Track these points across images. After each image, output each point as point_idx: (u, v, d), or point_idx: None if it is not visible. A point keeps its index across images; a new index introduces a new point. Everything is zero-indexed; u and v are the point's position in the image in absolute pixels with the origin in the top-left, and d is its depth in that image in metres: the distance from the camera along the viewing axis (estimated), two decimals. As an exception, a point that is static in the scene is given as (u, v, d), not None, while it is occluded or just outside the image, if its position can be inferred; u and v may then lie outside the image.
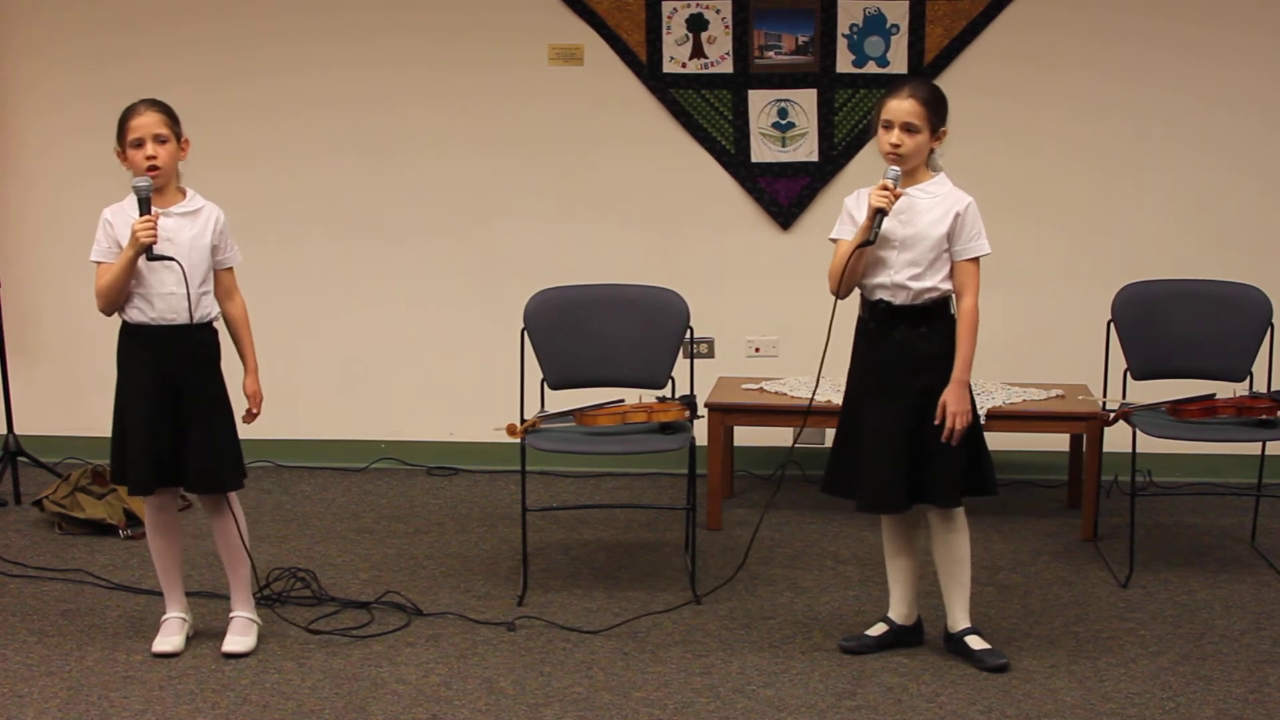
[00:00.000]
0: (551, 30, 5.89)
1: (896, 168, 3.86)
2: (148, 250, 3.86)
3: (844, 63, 5.79)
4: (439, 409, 6.16)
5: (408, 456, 6.17)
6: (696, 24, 5.81)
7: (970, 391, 3.95)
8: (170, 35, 6.02)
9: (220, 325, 4.12)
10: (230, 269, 4.12)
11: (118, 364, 4.05)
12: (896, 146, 3.85)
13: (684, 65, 5.85)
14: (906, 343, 3.92)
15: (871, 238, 3.84)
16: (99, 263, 3.99)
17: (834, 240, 4.00)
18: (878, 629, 4.13)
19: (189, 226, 4.00)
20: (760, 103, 5.84)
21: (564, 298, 4.84)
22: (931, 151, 3.91)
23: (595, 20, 5.85)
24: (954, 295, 3.94)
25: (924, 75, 5.72)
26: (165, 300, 3.95)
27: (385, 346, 6.15)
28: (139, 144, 3.94)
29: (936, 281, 3.90)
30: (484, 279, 6.04)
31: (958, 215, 3.88)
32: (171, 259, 3.90)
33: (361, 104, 6.00)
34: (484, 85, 5.96)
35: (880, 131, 3.88)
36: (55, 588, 4.63)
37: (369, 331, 6.14)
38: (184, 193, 4.05)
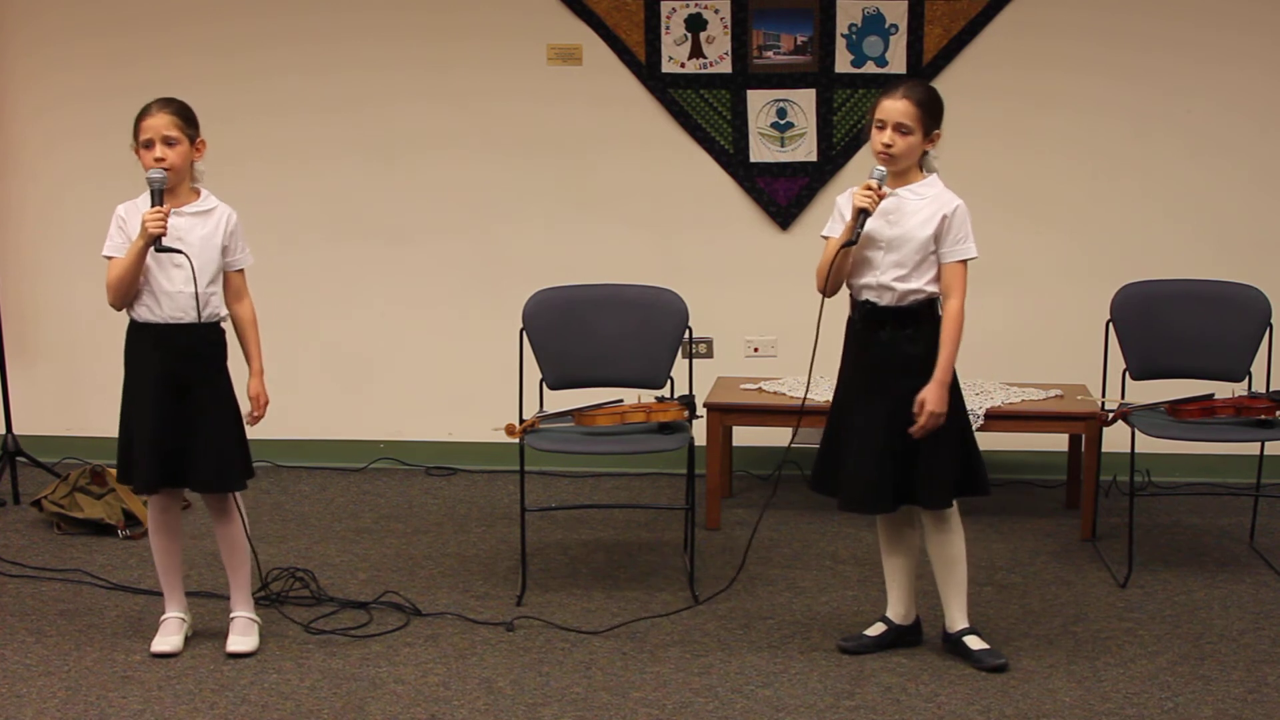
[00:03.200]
0: (550, 30, 5.89)
1: (883, 168, 3.86)
2: (156, 241, 3.87)
3: (843, 62, 5.79)
4: (438, 409, 6.16)
5: (406, 456, 6.17)
6: (695, 24, 5.81)
7: (959, 391, 3.95)
8: (170, 36, 6.02)
9: (228, 326, 4.12)
10: (241, 271, 4.12)
11: (125, 363, 4.05)
12: (888, 147, 3.84)
13: (683, 65, 5.85)
14: (892, 344, 3.91)
15: (854, 238, 3.84)
16: (110, 258, 3.98)
17: (825, 238, 4.01)
18: (876, 629, 4.13)
19: (200, 226, 4.00)
20: (759, 103, 5.84)
21: (563, 298, 4.84)
22: (925, 154, 3.90)
23: (594, 20, 5.85)
24: (941, 296, 3.93)
25: (923, 75, 5.72)
26: (173, 299, 3.96)
27: (384, 346, 6.15)
28: (149, 145, 3.95)
29: (922, 284, 3.89)
30: (483, 279, 6.04)
31: (945, 218, 3.86)
32: (180, 251, 3.91)
33: (361, 104, 6.00)
34: (483, 85, 5.96)
35: (873, 131, 3.88)
36: (54, 588, 4.63)
37: (368, 331, 6.14)
38: (198, 193, 4.06)
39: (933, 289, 3.90)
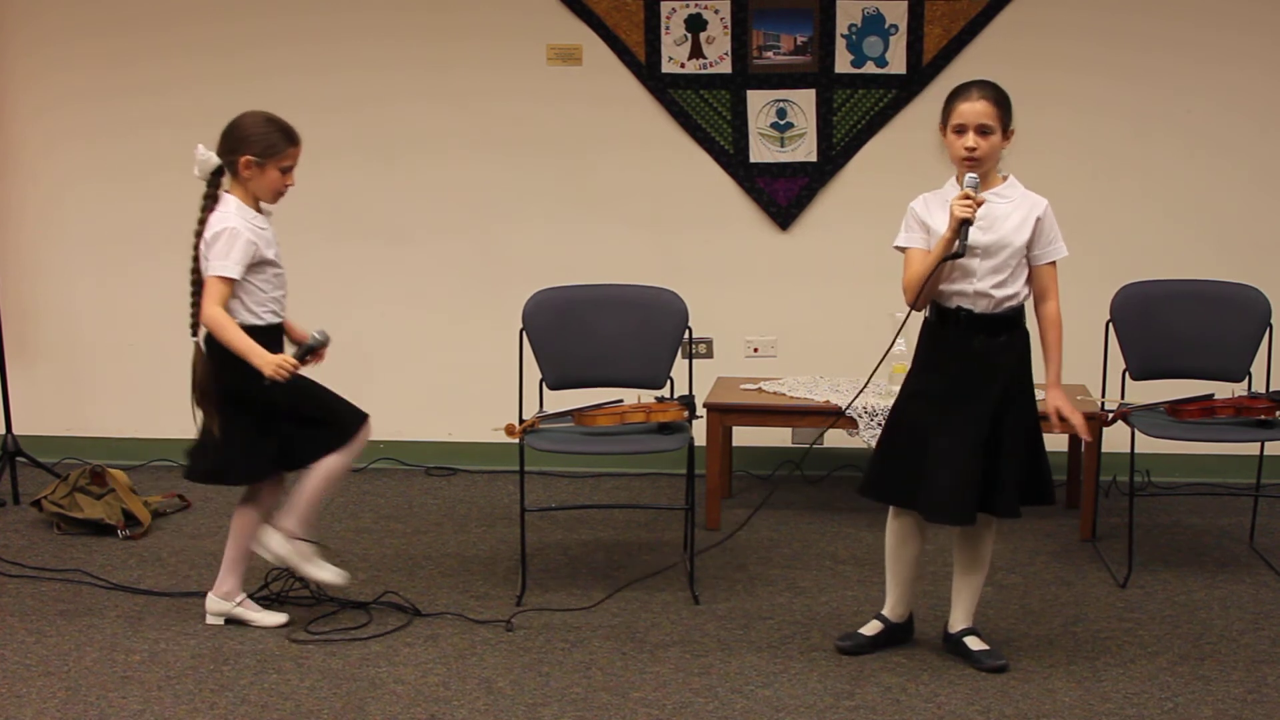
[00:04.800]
0: (550, 30, 5.89)
1: (975, 175, 3.76)
2: (266, 380, 3.98)
3: (843, 63, 5.79)
4: (438, 409, 6.16)
5: (406, 456, 6.17)
6: (695, 24, 5.81)
7: (1034, 398, 3.94)
8: (170, 36, 6.02)
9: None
10: None
11: (241, 365, 4.01)
12: (973, 150, 3.75)
13: (683, 65, 5.85)
14: (986, 352, 3.84)
15: (959, 250, 3.72)
16: (226, 278, 4.01)
17: (900, 249, 3.90)
18: (872, 627, 4.12)
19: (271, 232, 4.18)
20: (759, 103, 5.84)
21: (563, 298, 4.84)
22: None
23: (594, 20, 5.85)
24: (1034, 299, 3.90)
25: (923, 75, 5.73)
26: (283, 301, 4.19)
27: (384, 346, 6.15)
28: (289, 170, 4.12)
29: (1017, 288, 3.85)
30: (483, 279, 6.04)
31: (1038, 220, 3.83)
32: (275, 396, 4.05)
33: (361, 104, 6.00)
34: (483, 85, 5.96)
35: (951, 137, 3.79)
36: (53, 588, 4.63)
37: (368, 332, 6.14)
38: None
39: (1025, 293, 3.88)
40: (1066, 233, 5.75)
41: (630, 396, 4.81)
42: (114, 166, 6.14)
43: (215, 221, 4.05)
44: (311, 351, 4.10)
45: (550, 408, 4.76)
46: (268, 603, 4.39)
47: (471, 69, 5.96)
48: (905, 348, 4.31)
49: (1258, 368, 4.87)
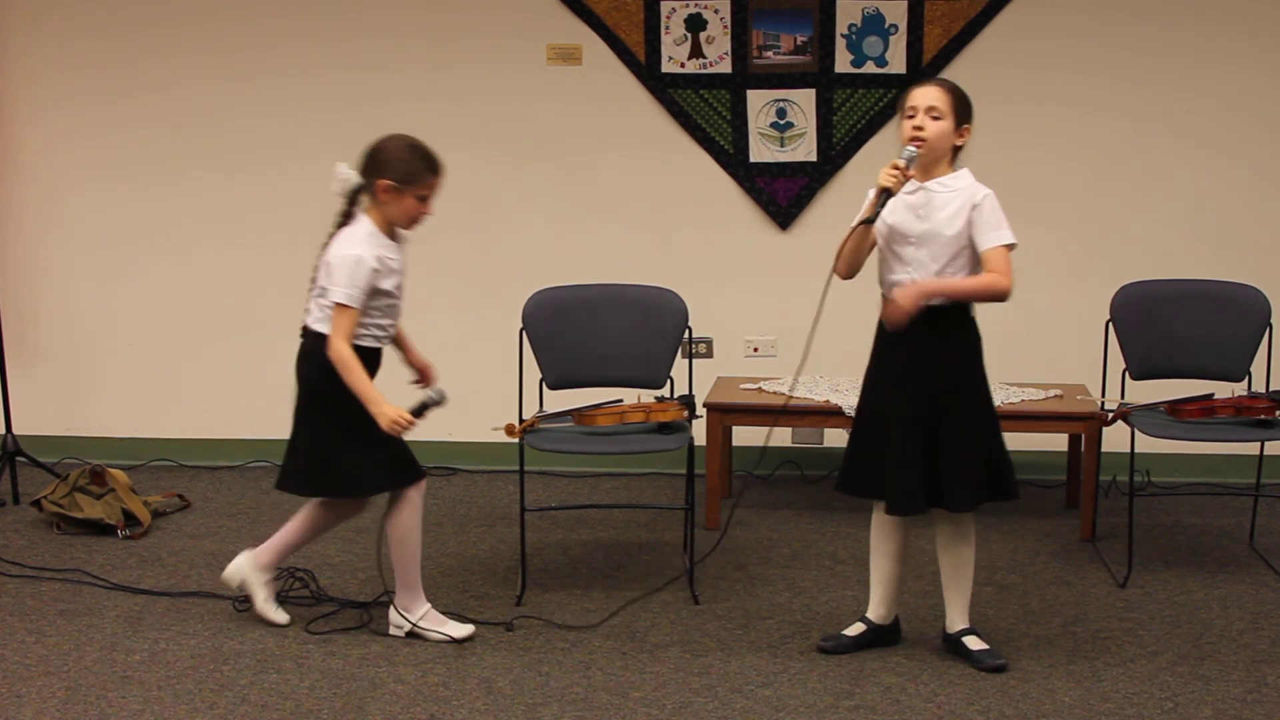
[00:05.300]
0: (550, 30, 5.89)
1: (913, 149, 3.77)
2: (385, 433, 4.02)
3: (842, 62, 5.79)
4: (438, 409, 6.14)
5: (407, 456, 6.16)
6: (695, 24, 5.81)
7: (988, 393, 3.94)
8: (170, 36, 6.02)
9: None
10: None
11: (338, 384, 4.04)
12: (919, 129, 3.76)
13: (682, 65, 5.85)
14: (924, 343, 3.85)
15: (872, 216, 3.76)
16: (346, 306, 4.01)
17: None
18: (855, 629, 4.12)
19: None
20: (759, 103, 5.84)
21: (562, 297, 4.85)
22: (957, 149, 3.85)
23: (594, 20, 5.85)
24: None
25: (923, 75, 5.72)
26: (389, 329, 4.21)
27: (384, 347, 6.14)
28: (427, 199, 4.08)
29: None
30: (482, 279, 6.04)
31: (974, 207, 3.80)
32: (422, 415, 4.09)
33: (361, 104, 6.00)
34: (482, 85, 5.96)
35: (904, 122, 3.81)
36: (53, 588, 4.63)
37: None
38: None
39: None
40: (1066, 233, 5.82)
41: (630, 396, 4.82)
42: (114, 166, 6.14)
43: (344, 241, 4.02)
44: (427, 408, 4.05)
45: (550, 408, 4.76)
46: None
47: (471, 69, 5.96)
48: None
49: (1258, 368, 4.87)
